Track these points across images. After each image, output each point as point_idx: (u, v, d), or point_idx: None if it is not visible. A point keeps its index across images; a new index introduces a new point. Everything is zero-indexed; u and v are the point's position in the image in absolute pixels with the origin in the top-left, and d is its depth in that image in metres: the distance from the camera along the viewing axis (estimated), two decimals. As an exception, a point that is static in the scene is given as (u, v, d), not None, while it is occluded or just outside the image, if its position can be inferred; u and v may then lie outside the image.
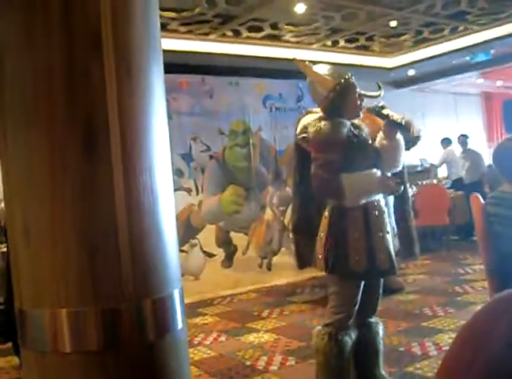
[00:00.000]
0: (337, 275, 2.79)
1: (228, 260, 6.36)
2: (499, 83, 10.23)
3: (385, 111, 2.81)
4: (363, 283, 2.81)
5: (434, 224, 7.43)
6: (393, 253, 2.82)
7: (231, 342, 4.36)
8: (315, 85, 2.87)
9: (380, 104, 2.90)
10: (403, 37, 6.49)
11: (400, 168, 2.96)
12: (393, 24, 5.87)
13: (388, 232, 2.84)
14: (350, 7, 5.26)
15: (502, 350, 0.79)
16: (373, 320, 2.96)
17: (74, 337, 1.17)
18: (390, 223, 5.16)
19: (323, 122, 2.76)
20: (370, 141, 2.91)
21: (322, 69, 2.88)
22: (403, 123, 2.78)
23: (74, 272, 1.16)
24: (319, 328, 2.85)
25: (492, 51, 7.24)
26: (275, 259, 6.65)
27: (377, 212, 2.79)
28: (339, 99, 2.79)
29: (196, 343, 4.35)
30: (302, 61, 2.90)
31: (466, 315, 4.46)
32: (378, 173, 2.77)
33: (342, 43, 6.53)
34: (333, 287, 2.83)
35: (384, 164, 2.88)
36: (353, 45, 6.67)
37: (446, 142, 9.23)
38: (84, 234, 1.16)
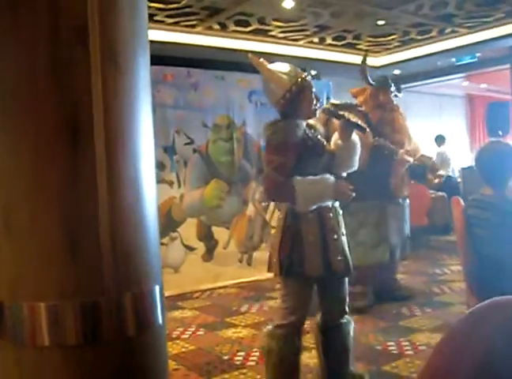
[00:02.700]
0: (292, 279, 2.76)
1: (209, 254, 6.34)
2: (483, 86, 10.33)
3: (340, 111, 2.80)
4: (315, 285, 2.80)
5: (413, 224, 7.47)
6: (348, 255, 2.81)
7: (209, 336, 4.36)
8: (270, 84, 2.78)
9: (334, 102, 2.92)
10: (390, 37, 6.52)
11: (355, 168, 2.96)
12: (381, 23, 5.89)
13: (343, 234, 2.83)
14: (338, 4, 5.26)
15: (486, 356, 0.79)
16: (344, 320, 2.93)
17: (53, 331, 1.15)
18: (404, 227, 5.04)
19: (278, 124, 2.73)
20: (324, 142, 2.88)
21: (280, 67, 2.79)
22: (359, 123, 2.78)
23: (54, 265, 1.15)
24: (270, 328, 2.81)
25: (478, 54, 7.30)
26: (255, 254, 6.65)
27: (331, 214, 2.77)
28: (295, 99, 2.73)
29: (174, 336, 4.34)
30: (256, 57, 2.81)
31: (443, 315, 4.52)
32: (332, 178, 2.74)
33: (329, 40, 6.54)
34: (287, 288, 2.80)
35: (339, 165, 2.87)
36: (340, 43, 6.67)
37: (440, 140, 9.09)
38: (66, 228, 1.14)
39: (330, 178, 2.73)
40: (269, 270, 2.90)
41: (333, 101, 2.98)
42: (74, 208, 1.15)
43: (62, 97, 1.14)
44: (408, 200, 5.06)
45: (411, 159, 4.83)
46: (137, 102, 1.24)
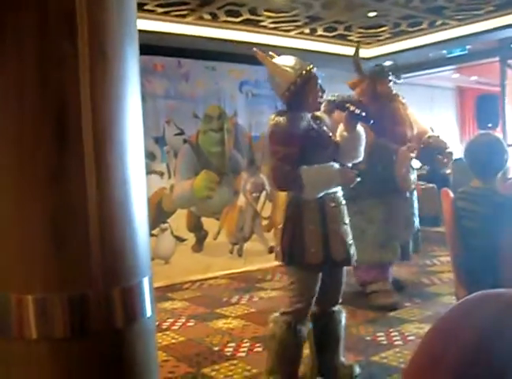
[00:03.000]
0: (295, 267, 2.84)
1: (199, 245, 6.34)
2: (474, 78, 10.34)
3: (346, 104, 2.83)
4: (320, 273, 2.85)
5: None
6: (349, 244, 2.87)
7: (199, 327, 4.36)
8: (275, 77, 2.85)
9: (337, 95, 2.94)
10: (381, 28, 6.50)
11: (360, 159, 3.01)
12: (372, 14, 5.87)
13: (346, 223, 2.89)
14: (330, -5, 5.24)
15: (474, 347, 0.79)
16: (336, 308, 3.03)
17: (40, 324, 1.15)
18: (414, 221, 4.79)
19: (282, 116, 2.78)
20: (330, 133, 2.94)
21: (285, 61, 2.85)
22: (363, 115, 2.81)
23: (41, 258, 1.14)
24: (277, 315, 2.89)
25: (468, 47, 7.30)
26: (246, 245, 6.66)
27: (333, 204, 2.84)
28: (300, 91, 2.79)
29: (164, 327, 4.34)
30: (261, 52, 2.86)
31: (432, 306, 4.55)
32: (337, 165, 2.79)
33: (320, 31, 6.51)
34: (292, 277, 2.87)
35: (344, 156, 2.93)
36: (331, 34, 6.65)
37: None
38: (53, 222, 1.14)
39: (335, 164, 2.79)
40: (276, 258, 2.97)
41: (330, 98, 2.99)
42: (62, 202, 1.14)
43: (49, 91, 1.13)
44: (416, 193, 4.90)
45: (413, 155, 4.66)
46: (125, 94, 1.23)
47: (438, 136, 4.91)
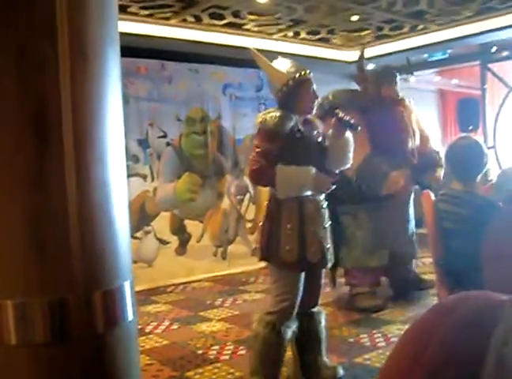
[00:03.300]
0: (274, 266, 2.87)
1: (182, 248, 6.32)
2: (455, 81, 10.46)
3: (335, 110, 2.86)
4: (302, 273, 2.87)
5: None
6: (326, 247, 2.89)
7: (183, 330, 4.35)
8: (270, 78, 2.93)
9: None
10: (364, 32, 6.55)
11: (348, 165, 3.03)
12: (355, 18, 5.91)
13: (325, 227, 2.91)
14: (312, -1, 5.26)
15: (449, 345, 0.80)
16: (315, 309, 3.05)
17: (20, 329, 1.13)
18: (408, 228, 4.72)
19: (270, 114, 2.83)
20: (319, 138, 2.96)
21: (281, 63, 2.91)
22: (352, 122, 2.83)
23: (20, 262, 1.13)
24: (261, 314, 2.90)
25: (449, 51, 7.39)
26: (230, 248, 6.65)
27: (312, 207, 2.85)
28: (292, 93, 2.83)
29: (148, 331, 4.32)
30: (256, 52, 2.91)
31: (415, 307, 4.58)
32: (313, 170, 2.82)
33: (303, 34, 6.54)
34: (273, 276, 2.91)
35: (332, 162, 2.95)
36: (314, 37, 6.68)
37: None
38: (33, 226, 1.12)
39: (312, 169, 2.81)
40: (256, 255, 3.01)
41: (324, 100, 3.02)
42: (41, 204, 1.13)
43: (28, 94, 1.11)
44: (411, 198, 4.78)
45: (401, 182, 4.53)
46: (105, 96, 1.22)
47: (438, 153, 4.76)
